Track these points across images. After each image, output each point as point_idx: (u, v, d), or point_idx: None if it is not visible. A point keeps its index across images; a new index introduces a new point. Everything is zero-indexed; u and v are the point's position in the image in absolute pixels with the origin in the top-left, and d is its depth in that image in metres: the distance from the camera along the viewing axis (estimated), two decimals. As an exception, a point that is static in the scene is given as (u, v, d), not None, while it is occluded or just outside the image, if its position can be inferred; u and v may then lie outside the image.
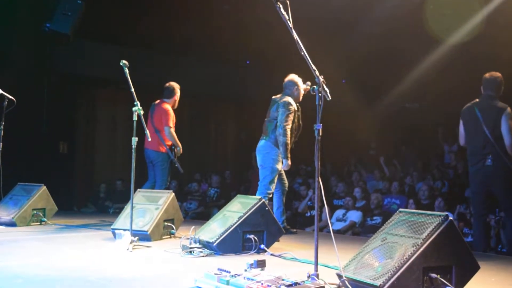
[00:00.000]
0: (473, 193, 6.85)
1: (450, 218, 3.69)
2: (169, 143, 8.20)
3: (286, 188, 7.50)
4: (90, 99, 13.15)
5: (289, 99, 7.12)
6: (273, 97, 7.38)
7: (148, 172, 8.46)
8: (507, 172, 6.32)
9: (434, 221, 3.68)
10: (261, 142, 7.25)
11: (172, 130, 8.16)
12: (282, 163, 7.13)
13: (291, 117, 7.04)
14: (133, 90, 6.05)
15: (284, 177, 7.41)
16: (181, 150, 8.28)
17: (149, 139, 6.54)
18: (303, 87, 7.36)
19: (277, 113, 7.07)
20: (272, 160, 7.11)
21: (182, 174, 8.85)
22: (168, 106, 8.26)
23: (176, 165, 8.22)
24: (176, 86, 8.43)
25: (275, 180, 7.16)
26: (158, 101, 8.37)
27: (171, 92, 8.37)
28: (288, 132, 7.00)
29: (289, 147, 7.04)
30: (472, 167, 6.69)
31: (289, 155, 7.04)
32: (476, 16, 12.52)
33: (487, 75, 6.66)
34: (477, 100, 6.68)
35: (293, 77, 7.32)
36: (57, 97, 11.82)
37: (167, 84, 8.46)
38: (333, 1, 11.93)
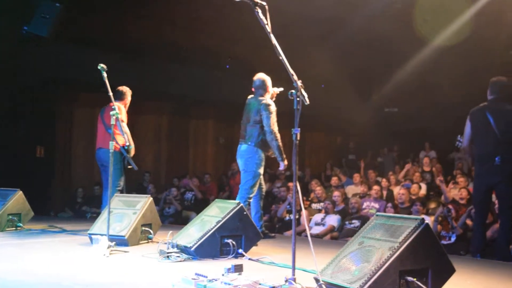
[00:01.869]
0: (480, 203, 6.76)
1: (426, 221, 3.73)
2: (122, 142, 7.78)
3: (264, 193, 7.51)
4: (68, 103, 13.05)
5: (268, 100, 7.14)
6: (248, 99, 7.39)
7: (101, 176, 8.27)
8: None
9: (411, 225, 3.71)
10: (243, 147, 7.21)
11: (125, 124, 7.79)
12: (279, 165, 7.23)
13: (275, 118, 7.08)
14: (111, 94, 6.02)
15: (262, 181, 7.41)
16: (134, 150, 7.80)
17: (127, 143, 6.48)
18: (274, 90, 7.43)
19: (259, 117, 7.06)
20: (256, 164, 7.11)
21: (159, 179, 8.74)
22: (119, 104, 7.80)
23: (130, 165, 7.75)
24: (127, 90, 8.16)
25: (257, 185, 7.17)
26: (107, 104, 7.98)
27: (121, 95, 8.09)
28: (278, 135, 7.05)
29: (282, 148, 7.08)
30: (480, 169, 6.67)
31: (284, 156, 7.10)
32: (457, 23, 12.69)
33: (494, 79, 6.70)
34: (485, 103, 6.69)
35: (262, 75, 7.32)
36: (35, 100, 11.72)
37: (119, 88, 8.16)
38: (314, 9, 12.05)
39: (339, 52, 15.01)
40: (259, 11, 4.04)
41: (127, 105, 8.15)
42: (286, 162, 7.17)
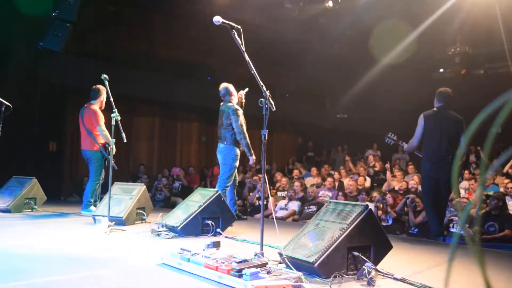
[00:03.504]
0: (429, 188, 6.45)
1: (370, 207, 3.76)
2: (103, 141, 7.45)
3: (237, 184, 7.51)
4: (76, 106, 12.82)
5: (234, 105, 7.13)
6: (220, 106, 7.32)
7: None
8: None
9: (357, 210, 3.73)
10: (221, 146, 7.19)
11: (104, 128, 7.37)
12: (249, 160, 7.21)
13: (242, 119, 7.07)
14: (112, 99, 5.94)
15: (236, 173, 7.40)
16: (115, 148, 6.73)
17: (125, 140, 6.31)
18: (241, 93, 7.44)
19: (229, 120, 7.05)
20: (232, 159, 7.10)
21: (152, 170, 8.59)
22: (95, 107, 7.50)
23: (111, 163, 6.72)
24: (101, 88, 7.53)
25: (233, 176, 7.16)
26: (86, 104, 7.64)
27: (96, 93, 7.56)
28: (246, 134, 7.03)
29: (250, 145, 7.06)
30: (432, 166, 6.36)
31: (252, 152, 7.09)
32: (398, 48, 12.88)
33: (441, 89, 6.53)
34: (436, 109, 6.47)
35: (226, 85, 7.29)
36: (48, 103, 11.58)
37: (94, 87, 7.63)
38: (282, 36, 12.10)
39: (302, 69, 15.17)
40: (235, 33, 4.03)
41: (103, 102, 7.62)
42: (254, 157, 7.18)
